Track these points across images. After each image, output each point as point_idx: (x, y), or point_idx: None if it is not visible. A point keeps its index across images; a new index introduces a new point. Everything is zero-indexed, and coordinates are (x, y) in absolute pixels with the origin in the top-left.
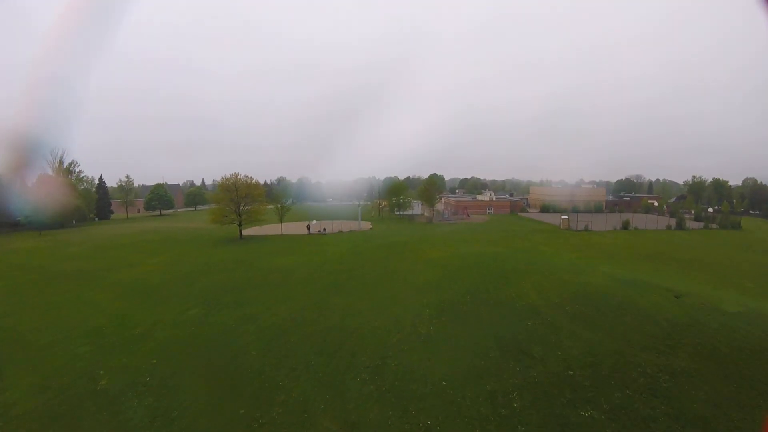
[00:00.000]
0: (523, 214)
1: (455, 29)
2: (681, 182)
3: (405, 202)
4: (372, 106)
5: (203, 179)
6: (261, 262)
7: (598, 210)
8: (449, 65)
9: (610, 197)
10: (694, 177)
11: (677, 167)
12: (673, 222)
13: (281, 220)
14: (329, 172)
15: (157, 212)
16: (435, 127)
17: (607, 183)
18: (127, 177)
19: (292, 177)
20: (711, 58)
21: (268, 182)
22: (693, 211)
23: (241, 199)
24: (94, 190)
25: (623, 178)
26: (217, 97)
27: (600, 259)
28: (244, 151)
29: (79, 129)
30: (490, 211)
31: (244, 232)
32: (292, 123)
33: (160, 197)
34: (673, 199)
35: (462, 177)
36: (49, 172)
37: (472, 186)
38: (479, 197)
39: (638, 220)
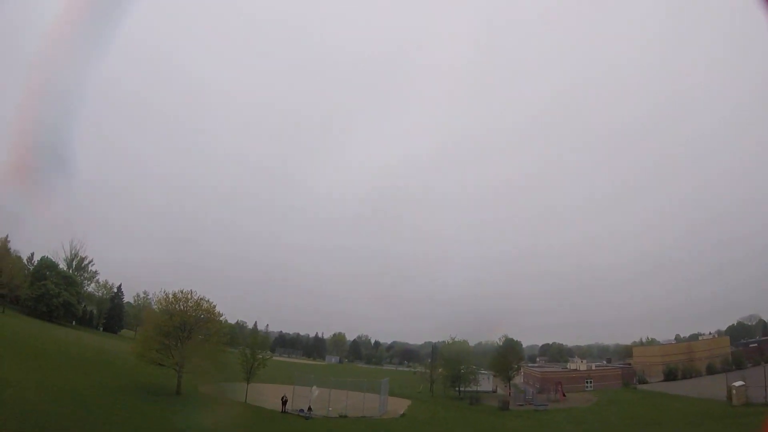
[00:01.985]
0: (643, 387)
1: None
2: None
3: (468, 372)
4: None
5: (256, 321)
6: None
7: (738, 366)
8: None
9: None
10: None
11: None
12: None
13: (248, 379)
14: (393, 331)
15: None
16: (505, 286)
17: (717, 331)
18: (144, 293)
19: (351, 334)
20: None
21: (320, 335)
22: None
23: (180, 331)
24: (108, 298)
25: (734, 323)
26: (293, 238)
27: None
28: (314, 296)
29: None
30: (589, 385)
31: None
32: (359, 272)
33: None
34: None
35: (542, 343)
36: (62, 264)
37: (556, 353)
38: (570, 366)
39: None
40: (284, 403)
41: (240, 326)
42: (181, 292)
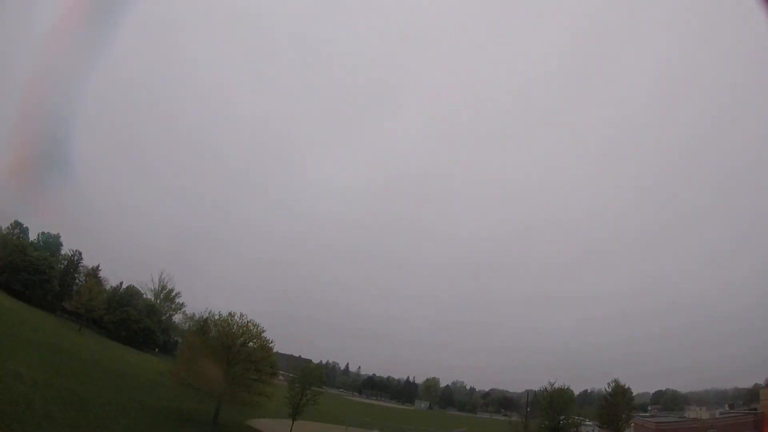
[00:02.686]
0: None
1: None
2: None
3: (569, 424)
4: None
5: (348, 363)
6: None
7: None
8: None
9: None
10: None
11: None
12: None
13: (294, 416)
14: (492, 379)
15: None
16: (609, 330)
17: None
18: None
19: (447, 379)
20: None
21: (412, 379)
22: None
23: (228, 356)
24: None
25: None
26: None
27: None
28: (413, 344)
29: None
30: None
31: (231, 415)
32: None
33: None
34: None
35: (654, 390)
36: (149, 294)
37: (670, 400)
38: (689, 414)
39: None
40: None
41: (330, 367)
42: (230, 314)
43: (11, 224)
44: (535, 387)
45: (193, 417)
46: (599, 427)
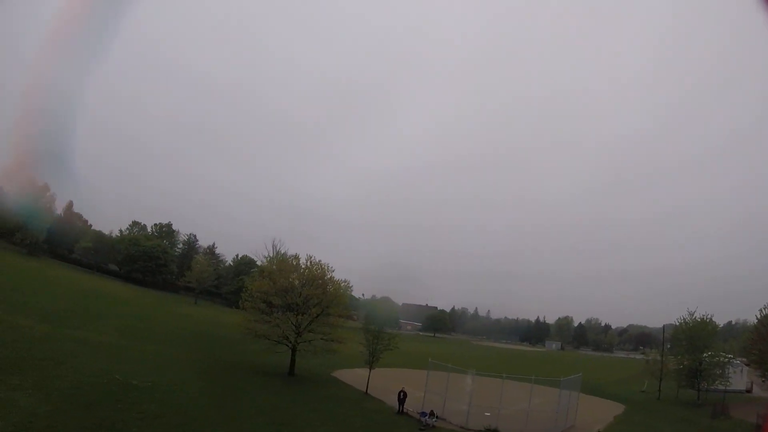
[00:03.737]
0: None
1: None
2: None
3: (712, 362)
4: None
5: (477, 308)
6: None
7: None
8: None
9: None
10: None
11: None
12: None
13: (371, 364)
14: (629, 314)
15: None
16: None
17: None
18: (345, 281)
19: (581, 317)
20: None
21: (542, 319)
22: None
23: (301, 305)
24: None
25: None
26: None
27: None
28: (545, 283)
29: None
30: None
31: (305, 365)
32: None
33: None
34: None
35: None
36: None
37: None
38: None
39: None
40: (402, 400)
41: (458, 313)
42: (294, 256)
43: (130, 224)
44: (676, 322)
45: (270, 370)
46: (746, 365)
